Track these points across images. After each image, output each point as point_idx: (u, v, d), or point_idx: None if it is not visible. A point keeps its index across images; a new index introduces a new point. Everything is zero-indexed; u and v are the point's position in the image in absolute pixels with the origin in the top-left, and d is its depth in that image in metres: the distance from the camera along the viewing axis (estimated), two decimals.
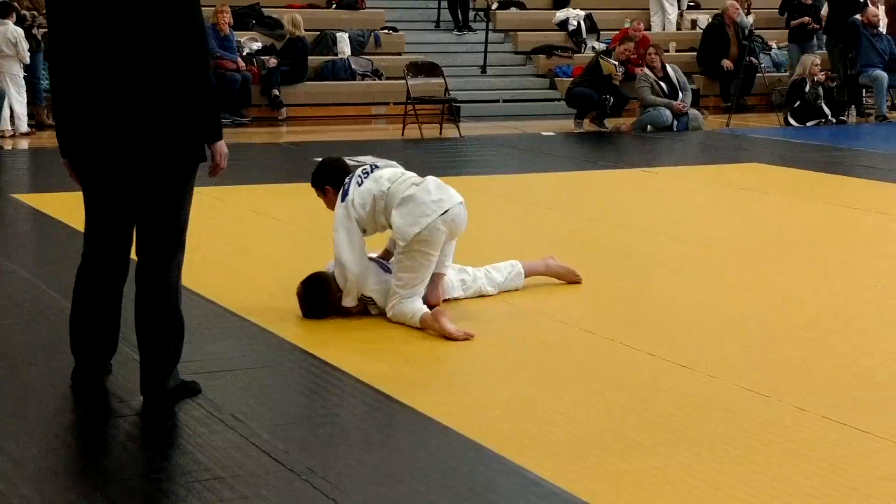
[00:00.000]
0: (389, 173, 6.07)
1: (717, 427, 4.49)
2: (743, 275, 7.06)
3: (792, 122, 15.64)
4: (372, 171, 6.06)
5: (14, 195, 9.65)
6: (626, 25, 16.78)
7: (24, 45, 13.56)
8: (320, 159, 6.55)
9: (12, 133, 13.62)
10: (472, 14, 18.04)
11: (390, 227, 5.93)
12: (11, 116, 13.63)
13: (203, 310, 6.14)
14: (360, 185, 5.99)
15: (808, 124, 15.58)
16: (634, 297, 6.42)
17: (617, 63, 15.04)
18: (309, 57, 15.84)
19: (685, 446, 4.28)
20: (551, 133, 14.90)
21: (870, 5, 17.26)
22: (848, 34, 16.46)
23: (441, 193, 5.95)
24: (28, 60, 13.67)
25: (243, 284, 6.73)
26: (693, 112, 15.05)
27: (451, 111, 15.14)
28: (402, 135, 14.40)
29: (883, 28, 16.98)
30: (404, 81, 14.77)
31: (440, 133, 14.67)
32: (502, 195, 10.05)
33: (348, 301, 5.97)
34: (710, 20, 17.54)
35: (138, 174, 4.55)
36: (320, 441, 4.33)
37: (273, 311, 6.08)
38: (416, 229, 5.80)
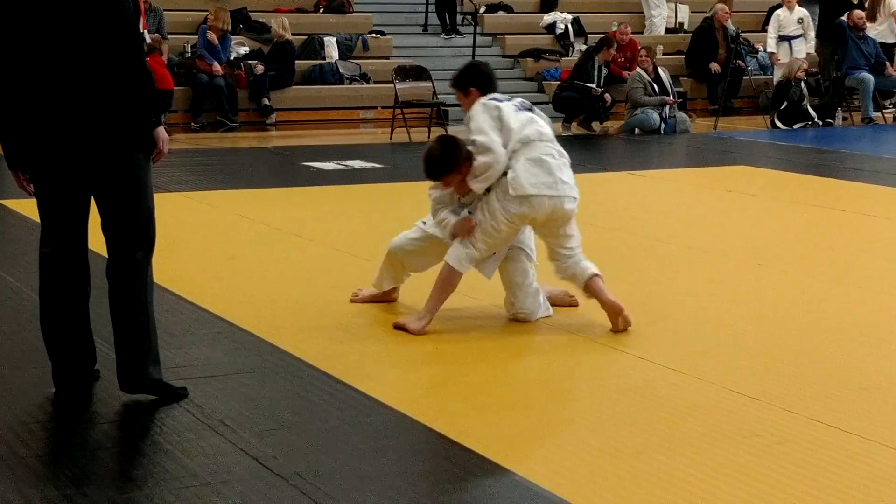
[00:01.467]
0: (547, 129, 5.90)
1: (705, 430, 4.49)
2: (731, 277, 7.07)
3: (779, 124, 15.66)
4: (532, 110, 5.93)
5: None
6: (613, 29, 16.79)
7: None
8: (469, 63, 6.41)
9: None
10: (459, 18, 18.03)
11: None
12: None
13: (192, 315, 6.12)
14: (516, 110, 5.83)
15: (795, 126, 15.61)
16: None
17: (592, 85, 15.00)
18: (297, 61, 15.82)
19: (673, 449, 4.28)
20: None
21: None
22: (836, 37, 16.52)
23: (568, 178, 5.79)
24: None
25: (232, 290, 6.72)
26: (681, 115, 15.08)
27: (439, 115, 15.13)
28: (391, 139, 14.39)
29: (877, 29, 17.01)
30: (392, 85, 14.76)
31: (429, 137, 14.62)
32: None
33: (478, 187, 5.71)
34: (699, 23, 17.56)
35: (87, 167, 4.62)
36: (309, 446, 4.32)
37: (262, 317, 6.07)
38: (532, 191, 5.65)
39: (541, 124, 5.90)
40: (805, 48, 16.78)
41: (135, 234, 4.71)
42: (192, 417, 4.59)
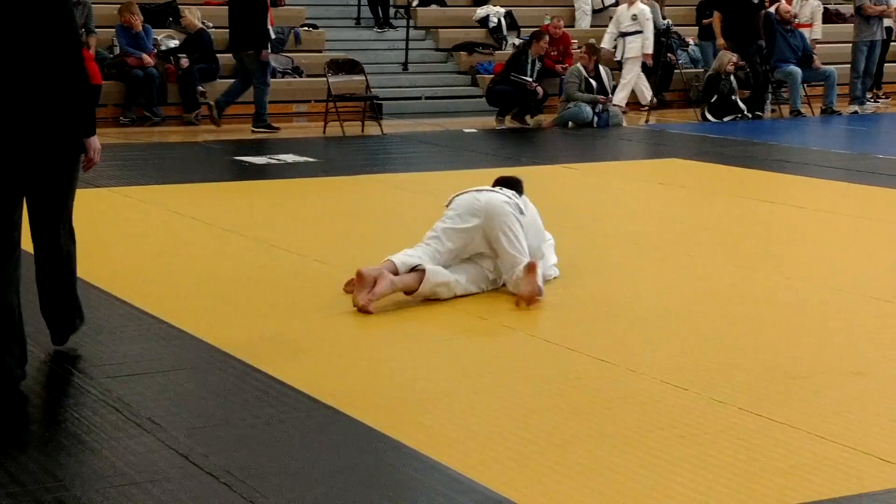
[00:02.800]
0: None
1: (634, 420, 4.52)
2: (662, 269, 7.12)
3: (709, 117, 15.80)
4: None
5: None
6: (546, 22, 16.84)
7: None
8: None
9: None
10: (392, 11, 18.00)
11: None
12: None
13: (120, 312, 6.06)
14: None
15: (725, 119, 15.76)
16: (553, 292, 6.44)
17: (530, 79, 15.07)
18: (226, 54, 15.66)
19: (604, 440, 4.31)
20: (473, 130, 14.92)
21: (783, 1, 17.50)
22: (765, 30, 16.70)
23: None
24: None
25: (162, 286, 6.65)
26: (613, 109, 15.17)
27: (372, 109, 15.09)
28: (324, 133, 14.33)
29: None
30: (325, 79, 14.70)
31: (362, 131, 14.63)
32: (425, 192, 10.04)
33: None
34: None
35: (24, 164, 4.85)
36: (240, 443, 4.29)
37: (191, 313, 6.02)
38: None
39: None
40: (640, 45, 16.37)
41: (64, 230, 5.08)
42: (120, 416, 4.54)
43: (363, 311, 6.00)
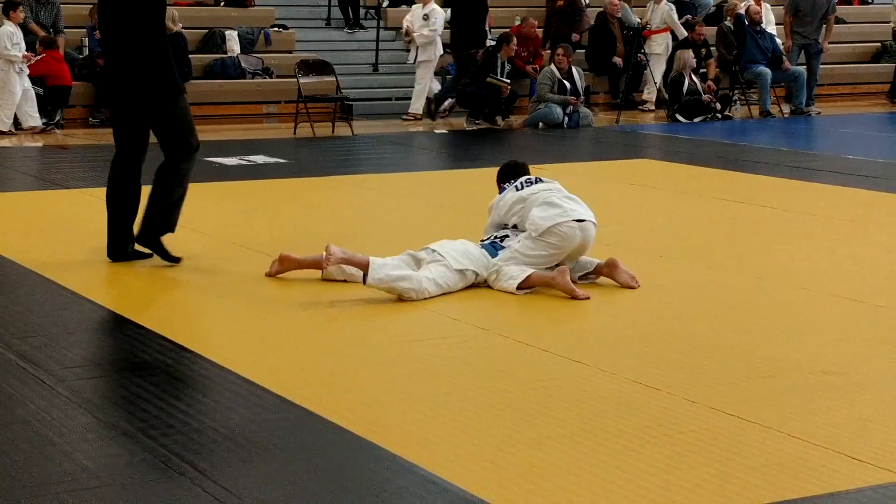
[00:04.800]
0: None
1: (607, 420, 4.53)
2: (633, 269, 7.12)
3: (679, 118, 15.87)
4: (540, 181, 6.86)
5: None
6: (517, 23, 16.87)
7: (13, 39, 13.69)
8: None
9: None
10: (362, 12, 17.99)
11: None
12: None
13: (90, 313, 6.04)
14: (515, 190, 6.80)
15: (695, 120, 15.83)
16: (526, 295, 6.45)
17: (508, 81, 15.10)
18: (198, 55, 15.62)
19: (575, 440, 4.32)
20: (444, 131, 14.92)
21: (752, 3, 17.60)
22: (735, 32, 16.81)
23: (576, 205, 6.66)
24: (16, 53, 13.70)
25: (132, 287, 6.63)
26: (583, 109, 15.21)
27: (343, 109, 15.08)
28: (294, 133, 14.31)
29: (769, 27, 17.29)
30: (295, 80, 14.68)
31: (333, 132, 14.61)
32: (395, 193, 10.05)
33: None
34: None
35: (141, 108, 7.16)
36: (211, 444, 4.27)
37: (162, 314, 6.01)
38: (548, 223, 6.46)
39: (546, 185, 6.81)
40: (434, 49, 15.82)
41: (181, 148, 7.25)
42: (91, 418, 4.52)
43: (268, 273, 6.62)
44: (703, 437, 4.36)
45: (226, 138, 13.80)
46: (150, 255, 7.09)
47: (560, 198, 6.68)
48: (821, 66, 17.41)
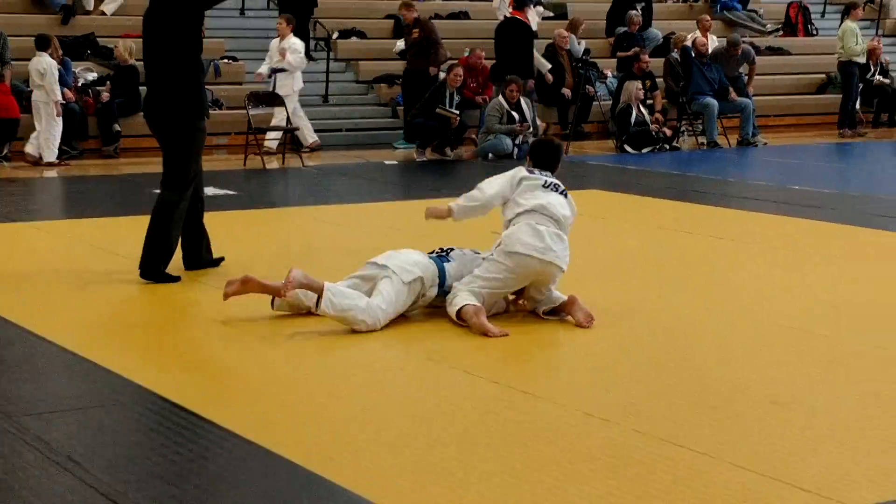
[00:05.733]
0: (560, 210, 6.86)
1: (557, 452, 4.54)
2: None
3: (627, 148, 15.99)
4: (564, 195, 6.93)
5: None
6: (465, 54, 16.94)
7: (51, 77, 13.86)
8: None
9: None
10: (313, 43, 18.01)
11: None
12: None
13: (38, 348, 5.97)
14: (543, 187, 6.84)
15: (644, 151, 15.96)
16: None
17: (457, 112, 15.17)
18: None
19: (527, 473, 4.32)
20: (394, 162, 14.95)
21: (699, 34, 17.81)
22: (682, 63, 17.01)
23: (554, 246, 6.58)
24: (58, 95, 13.94)
25: (81, 321, 6.57)
26: (532, 140, 15.26)
27: (292, 141, 15.05)
28: (244, 165, 14.27)
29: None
30: (245, 111, 14.64)
31: (283, 163, 14.58)
32: (345, 224, 10.04)
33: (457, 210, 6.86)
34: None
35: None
36: (161, 479, 4.24)
37: (111, 349, 5.95)
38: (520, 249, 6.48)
39: (557, 204, 6.76)
40: (292, 82, 15.38)
41: (175, 179, 7.74)
42: (38, 454, 4.47)
43: (227, 293, 6.40)
44: (651, 468, 4.37)
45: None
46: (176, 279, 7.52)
47: (546, 229, 6.61)
48: (767, 98, 17.64)
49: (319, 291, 6.20)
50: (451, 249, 6.80)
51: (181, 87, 7.58)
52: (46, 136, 13.94)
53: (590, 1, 20.08)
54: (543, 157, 7.09)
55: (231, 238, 9.46)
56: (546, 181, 6.83)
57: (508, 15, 17.05)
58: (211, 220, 10.26)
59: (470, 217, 6.93)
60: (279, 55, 15.44)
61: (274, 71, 15.53)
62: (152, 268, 7.44)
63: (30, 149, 14.01)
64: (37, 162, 13.89)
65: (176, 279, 7.46)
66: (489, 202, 6.87)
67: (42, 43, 14.18)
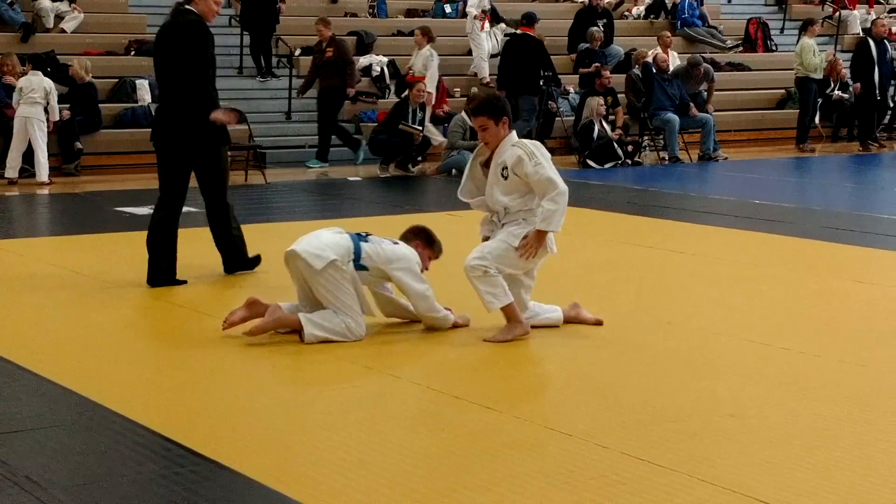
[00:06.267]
0: None
1: (519, 467, 4.54)
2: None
3: (590, 163, 16.05)
4: None
5: None
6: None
7: (55, 98, 13.98)
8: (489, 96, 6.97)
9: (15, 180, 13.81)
10: (274, 60, 17.99)
11: None
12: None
13: None
14: None
15: (606, 166, 16.03)
16: (440, 340, 6.47)
17: (420, 129, 15.19)
18: (108, 104, 15.49)
19: (488, 488, 4.32)
20: (358, 178, 14.94)
21: (660, 50, 17.92)
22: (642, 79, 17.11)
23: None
24: (57, 115, 14.09)
25: (40, 340, 6.52)
26: None
27: (256, 157, 15.02)
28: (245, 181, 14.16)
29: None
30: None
31: (245, 180, 14.55)
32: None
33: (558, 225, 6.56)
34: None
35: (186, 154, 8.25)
36: (122, 500, 4.21)
37: (70, 368, 5.92)
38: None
39: None
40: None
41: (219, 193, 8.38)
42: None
43: (228, 323, 6.37)
44: (612, 481, 4.39)
45: (136, 187, 13.66)
46: (184, 282, 7.96)
47: None
48: (727, 113, 17.76)
49: (296, 325, 6.34)
50: (369, 234, 6.72)
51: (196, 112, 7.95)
52: (41, 155, 13.83)
53: (552, 18, 20.13)
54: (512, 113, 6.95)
55: (195, 256, 9.42)
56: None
57: (509, 32, 17.37)
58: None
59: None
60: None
61: None
62: (240, 262, 8.33)
63: (10, 173, 13.86)
64: (11, 182, 13.74)
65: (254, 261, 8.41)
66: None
67: (38, 62, 14.29)
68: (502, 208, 6.56)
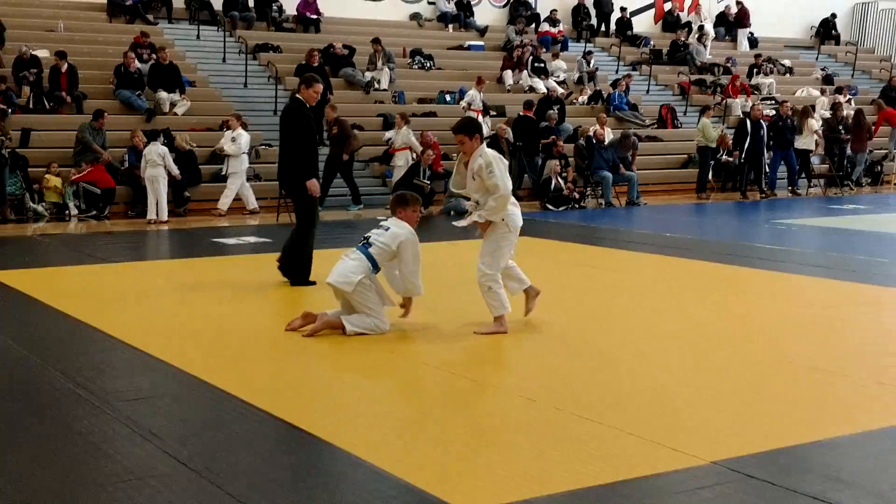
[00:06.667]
0: None
1: (496, 422, 4.51)
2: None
3: (549, 207, 16.08)
4: None
5: None
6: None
7: (170, 160, 14.03)
8: (469, 118, 6.85)
9: (155, 220, 13.76)
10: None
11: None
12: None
13: (124, 353, 5.92)
14: None
15: (560, 209, 16.05)
16: (406, 355, 6.40)
17: (428, 182, 15.20)
18: (206, 165, 15.45)
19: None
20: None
21: (598, 127, 17.94)
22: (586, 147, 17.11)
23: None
24: (176, 171, 14.06)
25: (159, 330, 6.51)
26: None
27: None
28: (277, 220, 14.19)
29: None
30: (277, 182, 14.47)
31: (276, 220, 14.46)
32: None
33: (496, 217, 6.56)
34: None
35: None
36: (218, 448, 4.21)
37: (175, 349, 5.90)
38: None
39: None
40: (240, 163, 14.52)
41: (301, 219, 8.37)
42: (128, 429, 4.44)
43: (290, 327, 6.36)
44: (562, 435, 4.35)
45: (227, 225, 13.67)
46: (314, 283, 8.12)
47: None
48: (647, 171, 17.70)
49: (339, 326, 6.35)
50: (369, 237, 6.64)
51: (294, 161, 8.14)
52: (162, 201, 13.85)
53: (519, 104, 20.15)
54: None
55: (255, 277, 9.40)
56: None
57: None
58: (251, 260, 10.27)
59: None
60: (230, 141, 14.91)
61: (226, 156, 14.95)
62: (300, 277, 8.26)
63: (150, 215, 13.71)
64: (150, 221, 13.64)
65: (313, 283, 8.16)
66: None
67: (154, 136, 14.32)
68: (475, 200, 6.68)
